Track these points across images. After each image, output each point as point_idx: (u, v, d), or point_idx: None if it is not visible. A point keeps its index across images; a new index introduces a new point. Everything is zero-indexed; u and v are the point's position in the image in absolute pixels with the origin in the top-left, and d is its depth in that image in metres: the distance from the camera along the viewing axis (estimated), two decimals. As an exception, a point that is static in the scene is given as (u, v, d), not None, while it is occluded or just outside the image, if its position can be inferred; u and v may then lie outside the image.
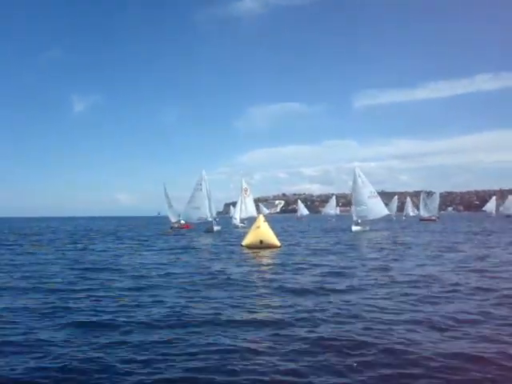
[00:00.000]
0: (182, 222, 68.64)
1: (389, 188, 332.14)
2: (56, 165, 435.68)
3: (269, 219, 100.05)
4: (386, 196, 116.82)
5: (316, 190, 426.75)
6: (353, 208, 58.20)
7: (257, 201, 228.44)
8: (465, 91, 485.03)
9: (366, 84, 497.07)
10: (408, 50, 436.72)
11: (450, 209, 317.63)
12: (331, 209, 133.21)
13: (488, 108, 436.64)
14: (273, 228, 34.26)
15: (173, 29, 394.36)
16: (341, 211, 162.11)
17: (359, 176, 56.35)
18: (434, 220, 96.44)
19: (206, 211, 58.73)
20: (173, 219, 71.36)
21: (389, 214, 69.08)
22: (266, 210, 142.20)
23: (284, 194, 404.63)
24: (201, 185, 59.39)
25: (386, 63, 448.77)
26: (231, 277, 18.02)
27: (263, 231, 31.88)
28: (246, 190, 71.82)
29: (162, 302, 13.29)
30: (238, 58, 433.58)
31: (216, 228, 58.54)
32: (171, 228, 69.08)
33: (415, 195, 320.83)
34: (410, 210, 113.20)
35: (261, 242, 31.16)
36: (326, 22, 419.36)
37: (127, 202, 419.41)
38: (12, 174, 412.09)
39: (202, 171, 60.22)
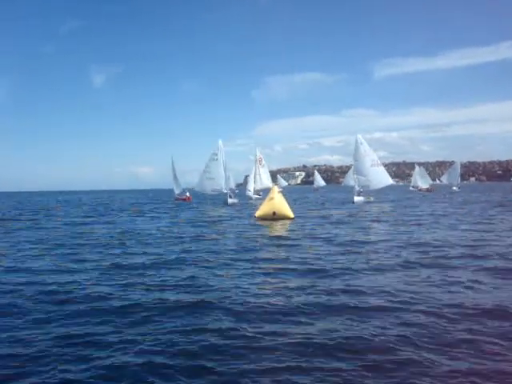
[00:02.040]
0: (187, 194, 72.75)
1: (410, 158, 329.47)
2: (75, 136, 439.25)
3: (287, 190, 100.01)
4: (407, 166, 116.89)
5: (336, 160, 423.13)
6: (355, 177, 56.50)
7: (277, 172, 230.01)
8: (488, 59, 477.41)
9: (387, 53, 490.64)
10: (430, 18, 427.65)
11: (472, 179, 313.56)
12: (351, 179, 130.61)
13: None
14: (288, 199, 34.13)
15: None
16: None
17: (361, 144, 54.49)
18: (431, 191, 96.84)
19: (221, 182, 56.92)
20: (176, 191, 75.55)
21: (396, 185, 65.79)
22: (284, 182, 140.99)
23: (304, 166, 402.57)
24: (216, 154, 57.29)
25: (407, 32, 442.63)
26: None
27: (277, 203, 31.62)
28: (260, 160, 69.65)
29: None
30: (258, 27, 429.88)
31: (231, 201, 56.88)
32: (175, 199, 72.92)
33: (437, 165, 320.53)
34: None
35: (274, 213, 31.00)
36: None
37: (147, 176, 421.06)
38: (29, 147, 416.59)
39: (218, 141, 58.56)
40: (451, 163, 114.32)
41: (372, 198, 54.26)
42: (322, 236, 21.13)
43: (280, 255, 15.98)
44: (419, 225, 25.62)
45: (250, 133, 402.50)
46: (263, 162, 70.46)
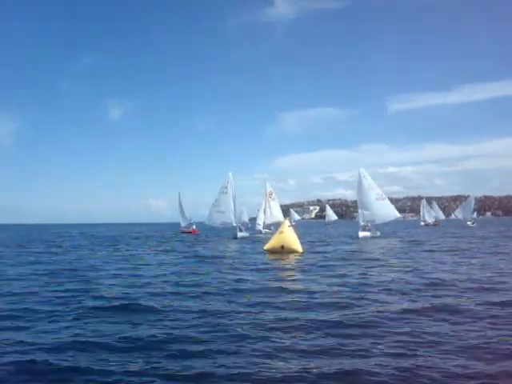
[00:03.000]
0: (194, 227, 77.07)
1: (426, 193, 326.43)
2: (90, 170, 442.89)
3: (300, 225, 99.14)
4: (420, 201, 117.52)
5: (350, 195, 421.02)
6: (359, 212, 54.86)
7: (291, 206, 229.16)
8: (501, 94, 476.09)
9: (401, 88, 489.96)
10: (442, 53, 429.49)
11: (488, 214, 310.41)
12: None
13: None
14: (298, 234, 34.24)
15: (206, 35, 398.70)
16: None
17: (364, 177, 53.53)
18: (436, 224, 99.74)
19: (231, 216, 56.28)
20: (183, 224, 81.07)
21: (411, 219, 65.12)
22: (297, 216, 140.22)
23: (319, 200, 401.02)
24: (226, 188, 56.97)
25: (420, 66, 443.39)
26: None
27: (286, 236, 31.76)
28: (270, 194, 68.49)
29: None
30: (271, 63, 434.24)
31: (240, 234, 55.77)
32: (181, 232, 76.87)
33: (453, 199, 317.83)
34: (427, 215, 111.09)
35: (282, 247, 31.09)
36: (360, 26, 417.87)
37: (161, 209, 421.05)
38: (45, 179, 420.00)
39: (228, 173, 58.15)
40: (467, 197, 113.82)
41: (379, 233, 53.19)
42: (321, 273, 20.22)
43: (277, 301, 14.02)
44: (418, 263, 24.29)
45: (264, 167, 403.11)
46: (274, 195, 69.41)
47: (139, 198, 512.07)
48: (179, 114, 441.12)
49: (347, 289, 15.82)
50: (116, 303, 13.40)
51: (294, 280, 18.90)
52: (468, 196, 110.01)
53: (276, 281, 18.38)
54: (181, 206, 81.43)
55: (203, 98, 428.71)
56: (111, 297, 14.61)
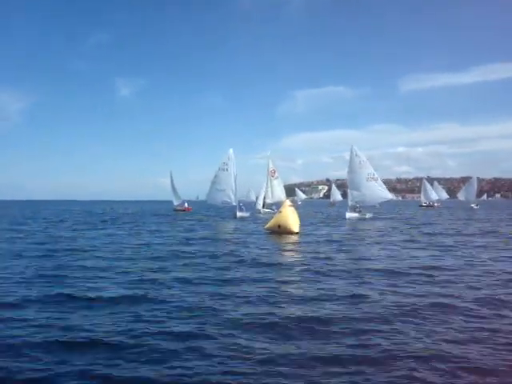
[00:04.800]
0: (186, 204, 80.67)
1: (435, 174, 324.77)
2: (100, 149, 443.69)
3: (306, 204, 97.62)
4: (431, 182, 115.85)
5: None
6: (348, 192, 53.24)
7: (299, 185, 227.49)
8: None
9: (413, 67, 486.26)
10: (456, 33, 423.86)
11: (497, 195, 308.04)
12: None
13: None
14: (299, 214, 34.53)
15: (217, 13, 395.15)
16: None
17: (356, 155, 51.26)
18: (432, 206, 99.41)
19: (231, 194, 55.10)
20: (175, 202, 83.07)
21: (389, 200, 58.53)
22: (302, 195, 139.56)
23: (327, 179, 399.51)
24: (227, 164, 55.29)
25: (433, 46, 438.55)
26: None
27: (283, 216, 32.05)
28: (273, 172, 65.88)
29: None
30: (281, 42, 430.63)
31: (240, 214, 54.02)
32: (174, 210, 79.45)
33: (462, 181, 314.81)
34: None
35: (279, 226, 31.43)
36: (374, 5, 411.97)
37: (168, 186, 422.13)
38: (55, 159, 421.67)
39: (229, 150, 56.38)
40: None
41: (368, 215, 51.54)
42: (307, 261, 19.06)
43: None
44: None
45: (273, 146, 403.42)
46: (276, 174, 66.89)
47: (149, 175, 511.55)
48: (188, 92, 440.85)
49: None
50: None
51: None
52: (477, 178, 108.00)
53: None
54: (173, 184, 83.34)
55: (213, 77, 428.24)
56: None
